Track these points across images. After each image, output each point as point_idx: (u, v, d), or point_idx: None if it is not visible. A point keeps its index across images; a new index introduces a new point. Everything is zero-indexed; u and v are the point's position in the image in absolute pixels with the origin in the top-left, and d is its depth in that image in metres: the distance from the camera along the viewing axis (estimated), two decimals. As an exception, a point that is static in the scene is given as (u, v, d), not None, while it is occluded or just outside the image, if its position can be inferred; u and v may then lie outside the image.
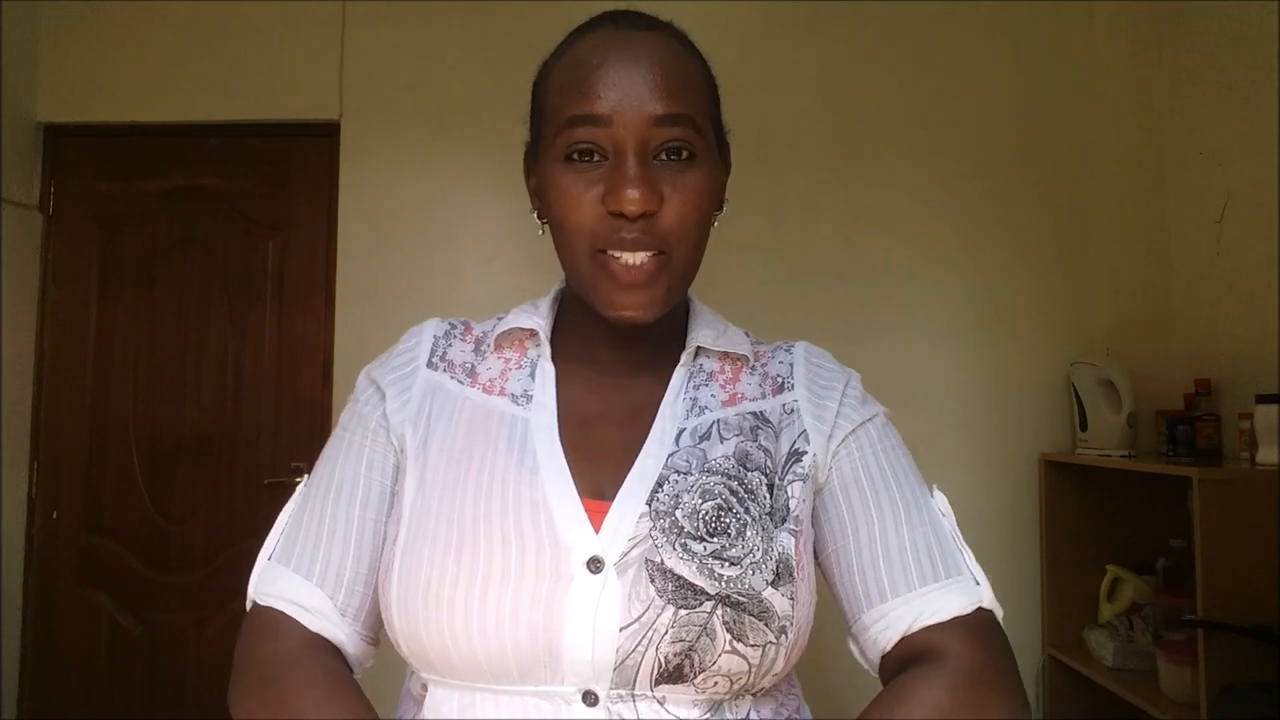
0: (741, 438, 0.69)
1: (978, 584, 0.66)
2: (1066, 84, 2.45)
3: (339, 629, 0.67)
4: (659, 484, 0.65)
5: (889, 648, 0.65)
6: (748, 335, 0.78)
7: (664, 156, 0.64)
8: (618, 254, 0.64)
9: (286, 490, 2.40)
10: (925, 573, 0.66)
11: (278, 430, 2.49)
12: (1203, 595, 1.59)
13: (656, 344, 0.74)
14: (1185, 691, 1.72)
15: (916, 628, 0.64)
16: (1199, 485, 1.61)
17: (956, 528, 0.70)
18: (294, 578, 0.67)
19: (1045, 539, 2.29)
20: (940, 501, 0.72)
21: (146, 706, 2.41)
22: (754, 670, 0.61)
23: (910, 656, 0.64)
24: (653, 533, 0.63)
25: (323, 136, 2.52)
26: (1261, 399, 1.71)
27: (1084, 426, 2.22)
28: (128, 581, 2.46)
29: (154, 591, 2.45)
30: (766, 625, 0.61)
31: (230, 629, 2.41)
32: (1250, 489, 1.62)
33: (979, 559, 0.69)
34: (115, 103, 2.53)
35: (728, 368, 0.74)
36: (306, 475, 0.75)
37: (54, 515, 2.49)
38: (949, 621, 0.63)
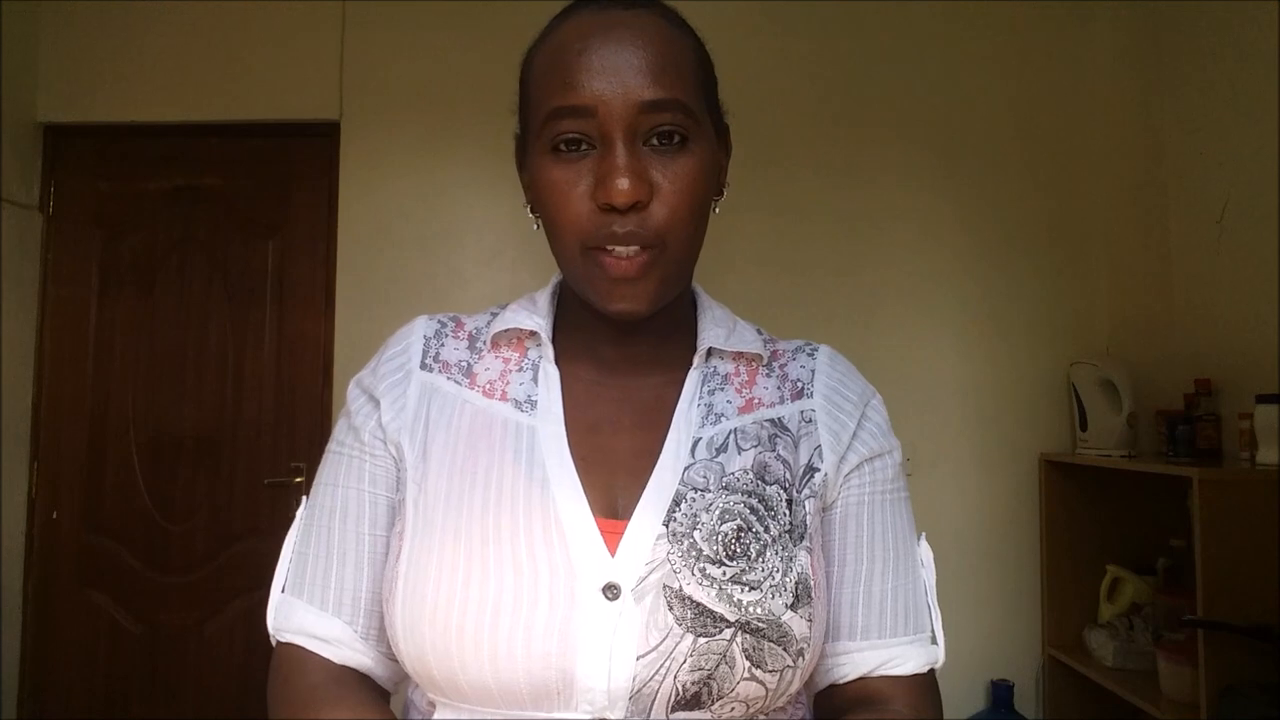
0: (760, 448, 0.66)
1: (935, 644, 0.68)
2: (1067, 84, 2.45)
3: (364, 655, 0.65)
4: (676, 502, 0.62)
5: (843, 683, 0.67)
6: (759, 332, 0.75)
7: (655, 142, 0.61)
8: (609, 248, 0.61)
9: (286, 490, 2.43)
10: (898, 625, 0.67)
11: (278, 430, 2.49)
12: (1203, 595, 1.59)
13: (662, 340, 0.70)
14: (1185, 691, 1.72)
15: (876, 675, 0.66)
16: (1199, 485, 1.61)
17: (933, 582, 0.71)
18: (309, 610, 0.65)
19: (1045, 539, 2.29)
20: (925, 552, 0.72)
21: (146, 706, 2.41)
22: (771, 694, 0.60)
23: (861, 698, 0.66)
24: (670, 556, 0.60)
25: (323, 136, 2.52)
26: (1261, 399, 1.71)
27: (1084, 426, 2.22)
28: (128, 581, 2.46)
29: (154, 591, 2.45)
30: (785, 650, 0.60)
31: (230, 629, 2.42)
32: (1250, 489, 1.62)
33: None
34: (115, 103, 2.53)
35: (743, 369, 0.71)
36: (305, 497, 0.71)
37: (54, 515, 2.49)
38: (905, 677, 0.66)
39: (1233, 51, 1.94)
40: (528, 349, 0.71)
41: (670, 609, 0.59)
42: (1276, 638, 1.48)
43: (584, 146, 0.61)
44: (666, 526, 0.62)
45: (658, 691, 0.58)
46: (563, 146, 0.61)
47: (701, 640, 0.58)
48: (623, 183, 0.58)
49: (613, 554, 0.60)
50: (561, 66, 0.61)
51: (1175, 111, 2.14)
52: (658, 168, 0.61)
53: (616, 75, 0.59)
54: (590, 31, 0.61)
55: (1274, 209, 1.78)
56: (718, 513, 0.63)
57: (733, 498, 0.63)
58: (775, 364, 0.73)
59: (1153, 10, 2.24)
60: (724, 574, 0.60)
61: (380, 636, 0.65)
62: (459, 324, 0.73)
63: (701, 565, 0.60)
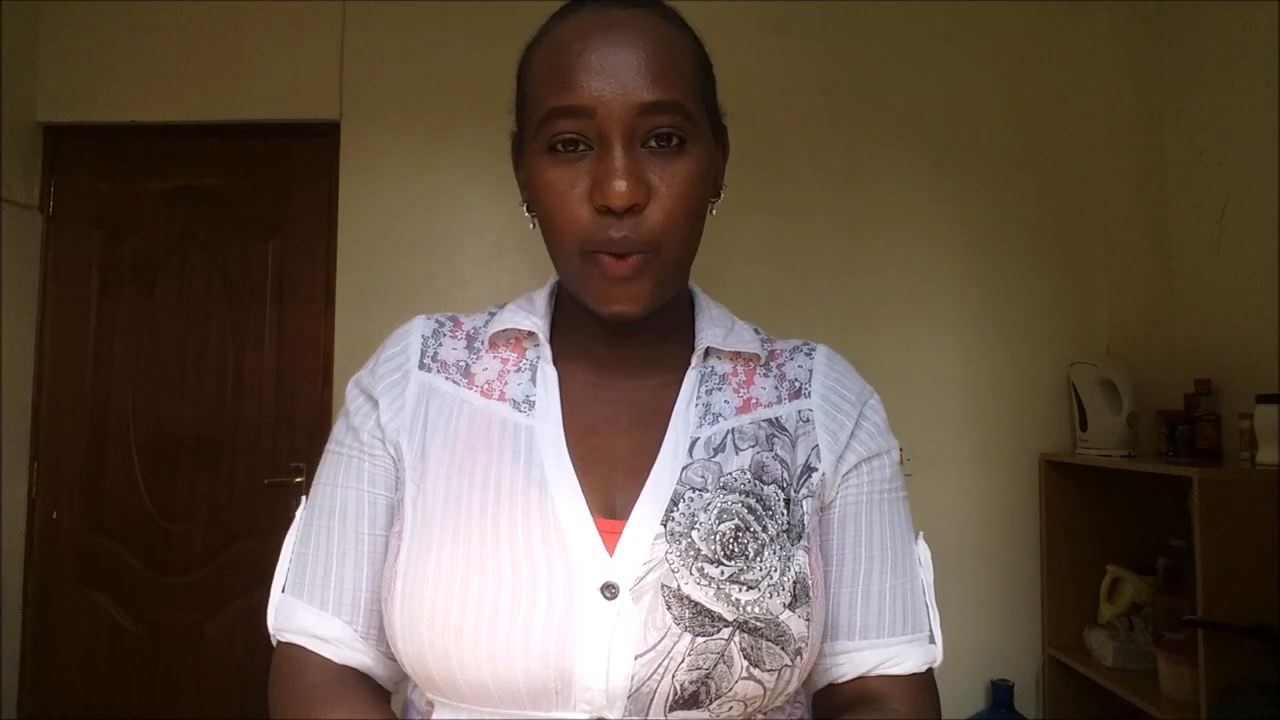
0: (757, 448, 0.66)
1: (933, 643, 0.68)
2: (1067, 84, 2.45)
3: (364, 655, 0.65)
4: (674, 501, 0.63)
5: (841, 682, 0.67)
6: (757, 332, 0.75)
7: (653, 144, 0.60)
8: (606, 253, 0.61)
9: (286, 490, 2.43)
10: (896, 624, 0.67)
11: (278, 430, 2.49)
12: (1203, 595, 1.59)
13: (659, 341, 0.70)
14: (1185, 691, 1.72)
15: (874, 674, 0.66)
16: (1199, 485, 1.61)
17: (931, 581, 0.71)
18: (309, 610, 0.65)
19: (1045, 539, 2.29)
20: (923, 552, 0.72)
21: (146, 706, 2.41)
22: (769, 693, 0.60)
23: (859, 697, 0.66)
24: (669, 556, 0.60)
25: (323, 136, 2.52)
26: (1261, 399, 1.71)
27: (1084, 426, 2.22)
28: (128, 581, 2.46)
29: (154, 591, 2.45)
30: (783, 649, 0.60)
31: (230, 629, 2.42)
32: (1250, 489, 1.62)
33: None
34: (115, 103, 2.53)
35: (740, 369, 0.71)
36: (305, 497, 0.71)
37: (54, 515, 2.49)
38: (903, 676, 0.66)
39: (1233, 51, 1.94)
40: (525, 349, 0.71)
41: (668, 608, 0.59)
42: (1276, 638, 1.48)
43: (581, 147, 0.60)
44: (664, 526, 0.62)
45: (656, 691, 0.58)
46: (560, 147, 0.61)
47: (700, 639, 0.58)
48: (620, 185, 0.58)
49: (611, 554, 0.60)
50: (560, 66, 0.60)
51: (1175, 111, 2.14)
52: (655, 170, 0.60)
53: (615, 76, 0.59)
54: (589, 31, 0.61)
55: (1274, 209, 1.78)
56: (715, 512, 0.63)
57: (730, 497, 0.64)
58: (773, 364, 0.73)
59: (1153, 10, 2.24)
60: (722, 573, 0.60)
61: (380, 636, 0.65)
62: (457, 324, 0.73)
63: (700, 565, 0.60)
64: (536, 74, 0.63)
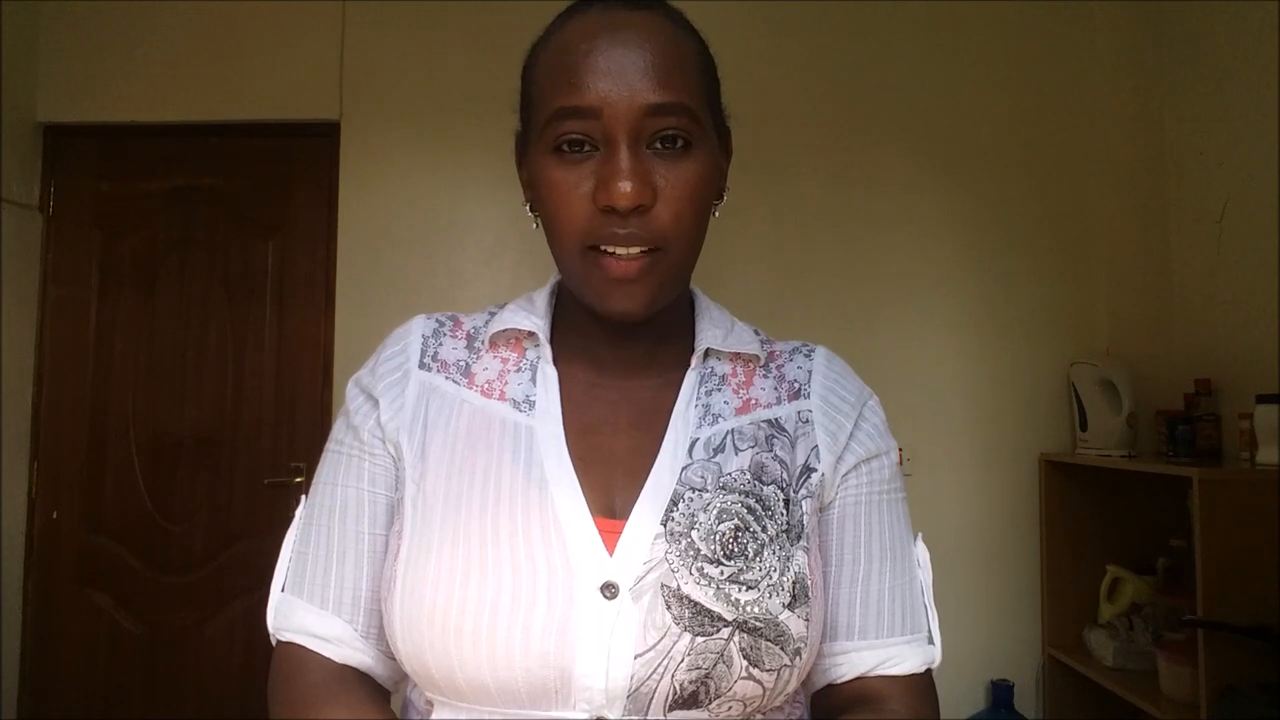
0: (757, 449, 0.67)
1: (932, 644, 0.69)
2: (1067, 84, 2.45)
3: (364, 654, 0.65)
4: (674, 502, 0.63)
5: (840, 682, 0.67)
6: (757, 333, 0.75)
7: (658, 145, 0.60)
8: (610, 249, 0.60)
9: (286, 490, 2.43)
10: (895, 625, 0.68)
11: (278, 430, 2.49)
12: (1203, 595, 1.59)
13: (659, 342, 0.70)
14: (1185, 691, 1.72)
15: (873, 674, 0.67)
16: (1199, 485, 1.61)
17: (930, 582, 0.71)
18: (309, 609, 0.65)
19: (1045, 539, 2.29)
20: (921, 552, 0.72)
21: (146, 706, 2.41)
22: (768, 693, 0.60)
23: (858, 698, 0.67)
24: (668, 556, 0.60)
25: (323, 136, 2.52)
26: (1261, 399, 1.71)
27: (1084, 426, 2.22)
28: (128, 581, 2.46)
29: (154, 591, 2.45)
30: (782, 649, 0.60)
31: (230, 629, 2.42)
32: (1250, 489, 1.63)
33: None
34: (115, 103, 2.53)
35: (740, 370, 0.71)
36: (304, 496, 0.71)
37: (54, 515, 2.49)
38: (902, 677, 0.67)
39: (1233, 51, 1.94)
40: (526, 349, 0.71)
41: (668, 608, 0.59)
42: (1276, 638, 1.48)
43: (587, 148, 0.61)
44: (664, 526, 0.62)
45: (655, 690, 0.58)
46: (565, 147, 0.61)
47: (699, 639, 0.58)
48: (625, 186, 0.58)
49: (611, 553, 0.61)
50: (567, 66, 0.61)
51: (1175, 111, 2.14)
52: (661, 171, 0.61)
53: (622, 77, 0.59)
54: (596, 31, 0.61)
55: (1274, 209, 1.78)
56: (715, 512, 0.63)
57: (730, 497, 0.64)
58: (772, 365, 0.73)
59: (1153, 10, 2.24)
60: (721, 573, 0.60)
61: (380, 635, 0.65)
62: (457, 323, 0.73)
63: (699, 564, 0.61)
64: (542, 74, 0.64)
